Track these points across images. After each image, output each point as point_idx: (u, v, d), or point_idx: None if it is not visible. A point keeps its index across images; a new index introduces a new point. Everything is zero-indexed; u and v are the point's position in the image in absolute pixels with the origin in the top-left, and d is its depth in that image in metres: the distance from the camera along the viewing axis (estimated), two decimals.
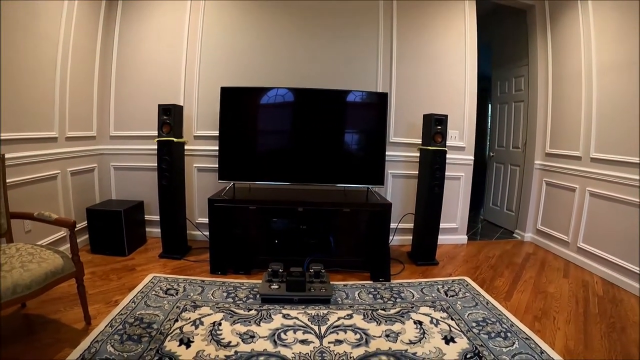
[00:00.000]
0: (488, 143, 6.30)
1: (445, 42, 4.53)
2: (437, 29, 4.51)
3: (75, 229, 2.55)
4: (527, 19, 4.98)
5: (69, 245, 2.56)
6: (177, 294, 3.09)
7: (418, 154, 4.22)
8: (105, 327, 2.53)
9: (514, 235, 5.29)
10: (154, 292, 3.08)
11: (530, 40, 4.98)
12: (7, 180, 2.78)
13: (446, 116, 3.93)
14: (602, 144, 3.91)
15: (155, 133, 3.85)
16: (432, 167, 3.90)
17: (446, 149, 3.93)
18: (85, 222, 4.01)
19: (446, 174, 4.06)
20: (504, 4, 4.97)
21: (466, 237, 4.89)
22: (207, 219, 3.66)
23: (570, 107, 4.36)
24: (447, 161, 4.07)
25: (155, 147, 3.84)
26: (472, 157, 4.67)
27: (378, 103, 4.01)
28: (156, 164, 3.86)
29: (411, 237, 4.38)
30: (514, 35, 5.38)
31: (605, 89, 3.87)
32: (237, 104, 3.96)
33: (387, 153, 4.15)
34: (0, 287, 1.96)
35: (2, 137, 3.04)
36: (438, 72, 4.53)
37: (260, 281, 3.24)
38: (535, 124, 4.89)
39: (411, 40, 4.48)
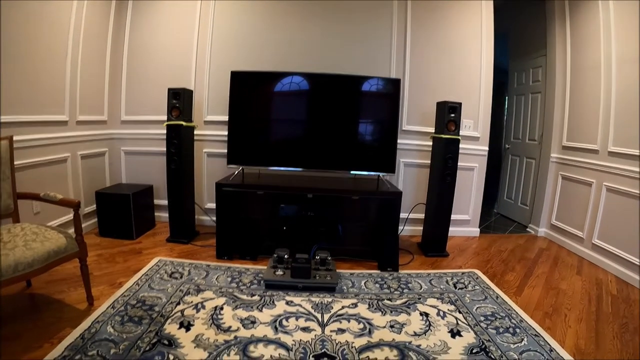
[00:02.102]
0: (504, 136, 6.17)
1: (461, 30, 4.41)
2: (452, 16, 4.39)
3: (85, 212, 2.55)
4: (546, 9, 4.82)
5: None
6: (181, 277, 3.08)
7: (431, 143, 4.14)
8: (107, 308, 2.53)
9: (528, 229, 5.17)
10: (158, 275, 3.08)
11: (548, 30, 4.82)
12: (17, 162, 2.80)
13: (460, 104, 3.83)
14: (621, 137, 3.76)
15: (166, 118, 3.83)
16: (444, 156, 3.82)
17: (459, 137, 3.84)
18: (95, 205, 4.03)
19: (459, 164, 3.99)
20: None
21: (478, 229, 4.80)
22: (215, 206, 3.64)
23: (588, 99, 4.22)
24: (461, 151, 3.99)
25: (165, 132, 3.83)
26: (487, 148, 4.57)
27: (391, 89, 3.93)
28: (166, 150, 3.86)
29: (422, 228, 4.32)
30: (532, 25, 5.23)
31: (625, 80, 3.72)
32: (247, 88, 3.91)
33: (399, 141, 4.09)
34: (0, 266, 1.95)
35: (12, 120, 3.06)
36: (453, 60, 4.42)
37: (265, 267, 3.21)
38: (552, 116, 4.75)
39: (426, 27, 4.37)
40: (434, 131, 4.07)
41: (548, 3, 4.79)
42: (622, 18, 3.77)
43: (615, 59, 3.83)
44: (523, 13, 5.42)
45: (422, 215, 4.34)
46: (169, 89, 3.78)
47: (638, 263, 3.38)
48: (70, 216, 3.69)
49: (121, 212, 3.90)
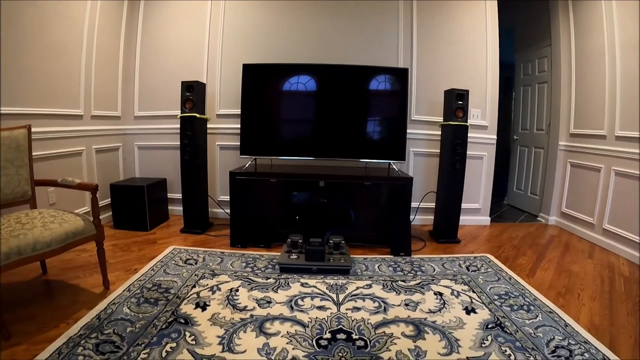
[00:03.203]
0: (512, 127, 6.18)
1: (466, 20, 4.45)
2: (457, 7, 4.43)
3: (99, 205, 2.60)
4: None
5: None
6: (196, 263, 3.13)
7: (439, 132, 4.17)
8: (123, 291, 2.57)
9: (538, 218, 5.16)
10: (173, 262, 3.13)
11: (552, 20, 4.85)
12: (35, 153, 2.84)
13: (467, 91, 3.86)
14: (627, 121, 3.76)
15: (179, 112, 3.89)
16: (453, 143, 3.84)
17: (467, 124, 3.86)
18: (109, 199, 4.09)
19: (469, 153, 4.02)
20: None
21: (489, 218, 4.80)
22: (229, 195, 3.69)
23: (594, 86, 4.23)
24: (470, 140, 4.01)
25: (179, 126, 3.89)
26: (495, 137, 4.58)
27: (399, 78, 3.98)
28: (179, 143, 3.91)
29: (433, 217, 4.34)
30: (536, 16, 5.26)
31: (629, 65, 3.73)
32: (259, 80, 3.98)
33: (409, 131, 4.13)
34: (1, 250, 1.98)
35: (29, 112, 3.15)
36: (459, 50, 4.46)
37: (279, 254, 3.24)
38: (559, 105, 4.76)
39: (432, 18, 4.41)
40: (442, 120, 4.09)
41: None
42: (624, 4, 3.79)
43: (619, 44, 3.85)
44: (527, 5, 5.43)
45: (432, 205, 4.35)
46: (183, 82, 3.84)
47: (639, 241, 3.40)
48: (85, 208, 3.81)
49: (136, 204, 3.96)
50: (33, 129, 2.78)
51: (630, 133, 3.71)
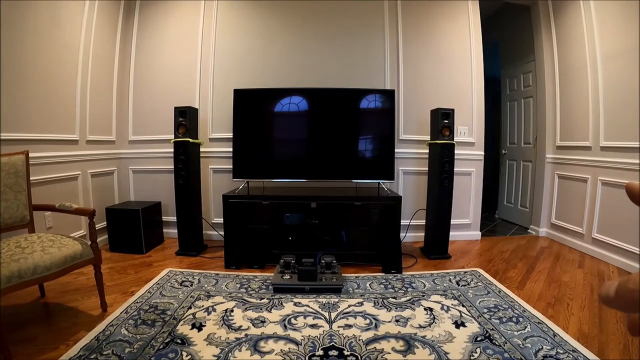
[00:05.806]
0: (500, 142, 6.29)
1: (451, 40, 4.58)
2: (441, 27, 4.57)
3: (96, 228, 2.66)
4: (532, 14, 5.03)
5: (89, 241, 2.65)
6: (191, 285, 3.17)
7: (427, 150, 4.25)
8: (121, 313, 2.61)
9: (529, 231, 5.24)
10: (169, 284, 3.17)
11: (535, 35, 5.01)
12: (32, 178, 2.91)
13: (453, 110, 3.96)
14: (611, 131, 3.89)
15: (172, 137, 3.97)
16: (441, 161, 3.92)
17: (454, 142, 3.95)
18: (105, 222, 4.14)
19: (457, 169, 4.09)
20: (507, 1, 5.05)
21: (480, 233, 4.86)
22: (223, 218, 3.74)
23: (578, 98, 4.36)
24: (457, 157, 4.10)
25: (172, 150, 3.96)
26: (482, 153, 4.68)
27: (386, 99, 4.07)
28: (173, 167, 3.98)
29: (423, 234, 4.40)
30: (520, 33, 5.42)
31: (611, 76, 3.87)
32: (250, 104, 4.07)
33: (397, 150, 4.22)
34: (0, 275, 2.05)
35: (26, 137, 3.22)
36: (444, 70, 4.57)
37: (273, 274, 3.29)
38: (545, 118, 4.89)
39: (417, 39, 4.54)
40: (429, 139, 4.19)
41: (533, 10, 4.98)
42: (603, 17, 3.94)
43: (600, 56, 3.98)
44: (511, 22, 5.62)
45: (423, 222, 4.42)
46: (176, 108, 3.93)
47: (638, 252, 3.45)
48: (82, 231, 3.86)
49: (131, 227, 4.00)
50: (30, 155, 2.85)
51: (615, 143, 3.82)
